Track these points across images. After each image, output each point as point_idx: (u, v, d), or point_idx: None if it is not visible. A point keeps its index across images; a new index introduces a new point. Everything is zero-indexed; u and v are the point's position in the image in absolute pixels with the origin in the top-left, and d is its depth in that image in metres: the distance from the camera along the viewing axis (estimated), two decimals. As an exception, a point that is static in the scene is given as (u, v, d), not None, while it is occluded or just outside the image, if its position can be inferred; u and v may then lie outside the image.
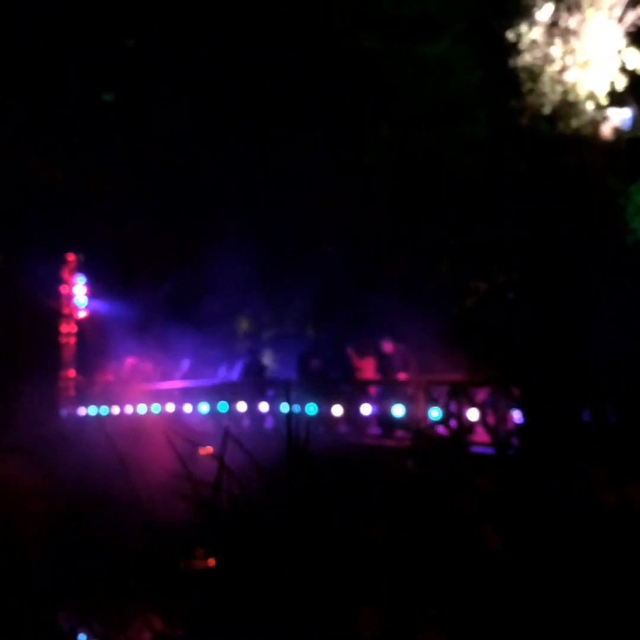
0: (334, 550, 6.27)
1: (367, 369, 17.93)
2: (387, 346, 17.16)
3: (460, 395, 14.11)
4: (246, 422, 18.41)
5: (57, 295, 26.63)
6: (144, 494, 6.89)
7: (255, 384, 19.57)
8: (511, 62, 12.42)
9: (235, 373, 21.88)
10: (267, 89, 22.09)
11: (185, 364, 22.74)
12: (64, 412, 25.84)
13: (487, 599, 7.27)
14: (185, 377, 22.51)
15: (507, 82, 14.33)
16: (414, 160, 18.35)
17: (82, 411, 25.46)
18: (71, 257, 26.81)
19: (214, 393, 20.18)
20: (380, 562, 7.26)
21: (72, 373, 26.25)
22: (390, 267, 20.49)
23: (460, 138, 17.66)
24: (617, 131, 12.36)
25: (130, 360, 24.81)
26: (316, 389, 17.26)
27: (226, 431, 6.27)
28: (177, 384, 22.19)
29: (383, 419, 15.88)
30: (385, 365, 17.19)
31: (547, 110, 12.19)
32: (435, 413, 14.66)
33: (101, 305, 27.24)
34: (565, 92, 12.10)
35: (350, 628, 5.97)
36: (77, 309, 26.61)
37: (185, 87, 23.08)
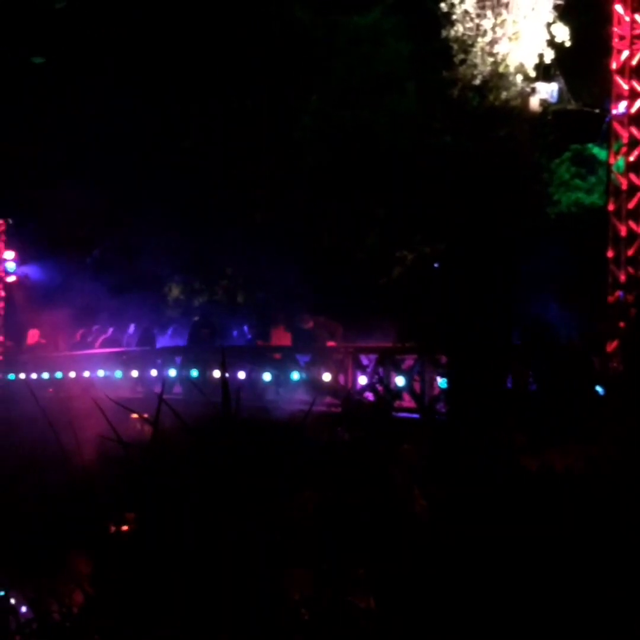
0: (267, 514, 6.36)
1: (284, 340, 18.15)
2: (307, 322, 17.24)
3: (387, 362, 14.30)
4: (177, 389, 18.45)
5: (-15, 261, 26.32)
6: (75, 458, 6.91)
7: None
8: (444, 33, 12.52)
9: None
10: (198, 58, 21.93)
11: (131, 327, 22.52)
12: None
13: (413, 561, 7.47)
14: (131, 340, 22.34)
15: (436, 54, 14.42)
16: (343, 132, 18.41)
17: (10, 376, 25.24)
18: (0, 222, 26.44)
19: (145, 360, 20.18)
20: (311, 525, 7.40)
21: (0, 338, 25.98)
22: (319, 238, 20.60)
23: (390, 110, 17.78)
24: (544, 104, 12.57)
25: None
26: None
27: (160, 396, 6.28)
28: (107, 349, 22.10)
29: (312, 386, 16.00)
30: (305, 338, 17.28)
31: (477, 81, 12.33)
32: (363, 380, 14.83)
33: (30, 271, 27.00)
34: (496, 64, 12.24)
35: (280, 590, 6.07)
36: (6, 274, 26.28)
37: (117, 52, 22.79)
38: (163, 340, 22.48)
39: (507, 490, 8.28)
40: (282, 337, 18.23)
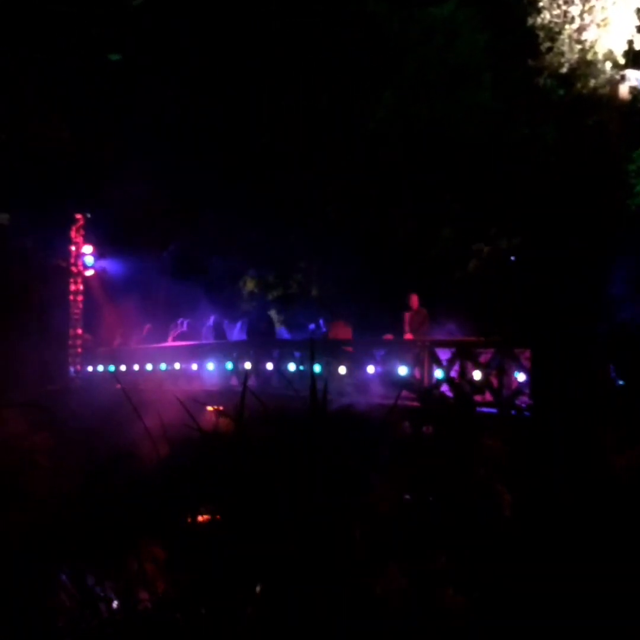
0: (356, 509, 6.31)
1: (342, 334, 18.11)
2: (414, 302, 17.04)
3: (465, 356, 14.14)
4: (251, 381, 18.45)
5: (65, 254, 26.70)
6: (153, 450, 6.91)
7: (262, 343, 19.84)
8: (530, 21, 12.29)
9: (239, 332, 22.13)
10: (272, 52, 21.97)
11: (211, 320, 22.61)
12: (71, 369, 26.00)
13: (501, 555, 7.37)
14: (209, 332, 22.47)
15: (513, 44, 14.21)
16: (418, 125, 18.28)
17: (90, 368, 25.64)
18: (79, 216, 26.82)
19: (219, 352, 20.27)
20: (400, 520, 7.33)
21: (79, 331, 26.35)
22: (393, 232, 20.49)
23: (465, 102, 17.62)
24: (634, 91, 12.27)
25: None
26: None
27: (244, 386, 6.20)
28: (182, 343, 22.24)
29: (387, 379, 15.87)
30: (410, 317, 17.11)
31: (565, 69, 12.07)
32: (439, 374, 14.68)
33: (108, 265, 27.35)
34: (584, 51, 11.96)
35: (372, 584, 6.02)
36: (84, 268, 26.66)
37: (192, 47, 22.95)
38: (233, 334, 22.58)
39: (596, 487, 8.14)
40: (340, 331, 18.21)
